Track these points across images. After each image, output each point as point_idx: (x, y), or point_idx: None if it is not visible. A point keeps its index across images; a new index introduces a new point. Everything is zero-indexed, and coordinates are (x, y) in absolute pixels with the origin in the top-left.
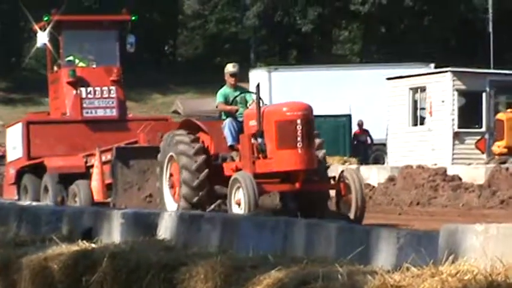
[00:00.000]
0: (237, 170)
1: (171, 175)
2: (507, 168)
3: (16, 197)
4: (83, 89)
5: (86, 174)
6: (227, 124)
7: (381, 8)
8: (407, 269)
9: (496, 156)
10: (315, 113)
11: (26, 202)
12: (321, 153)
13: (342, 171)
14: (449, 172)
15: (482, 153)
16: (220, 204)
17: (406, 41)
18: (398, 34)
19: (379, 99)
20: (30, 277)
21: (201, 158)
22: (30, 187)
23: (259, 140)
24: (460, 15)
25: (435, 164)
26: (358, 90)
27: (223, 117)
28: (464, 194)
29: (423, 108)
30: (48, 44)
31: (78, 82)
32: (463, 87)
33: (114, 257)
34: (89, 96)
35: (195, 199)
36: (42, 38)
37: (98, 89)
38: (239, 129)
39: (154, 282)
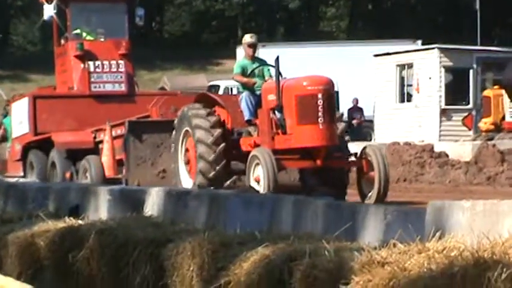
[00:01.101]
0: (255, 145)
1: (186, 150)
2: (494, 145)
3: (22, 174)
4: (90, 63)
5: (95, 150)
6: (244, 97)
7: None
8: (394, 245)
9: (483, 133)
10: None
11: (32, 178)
12: (340, 127)
13: (365, 148)
14: (436, 149)
15: (469, 129)
16: (236, 181)
17: (393, 18)
18: (385, 11)
19: (366, 76)
20: (17, 253)
21: (217, 131)
22: (36, 163)
23: (279, 114)
24: None
25: (422, 141)
26: (345, 67)
27: (240, 89)
28: (451, 170)
29: (410, 85)
30: (55, 17)
31: (85, 56)
32: (450, 64)
33: (101, 234)
34: (97, 70)
35: (212, 174)
36: (49, 10)
37: (106, 62)
38: (257, 103)
39: (141, 259)
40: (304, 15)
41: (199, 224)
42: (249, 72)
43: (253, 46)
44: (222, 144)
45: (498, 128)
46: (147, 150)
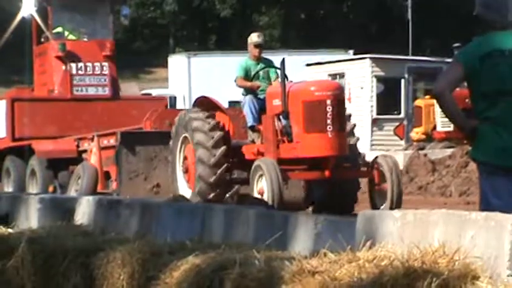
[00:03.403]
0: (259, 153)
1: (185, 158)
2: (425, 155)
3: None
4: (73, 65)
5: (78, 159)
6: (247, 102)
7: None
8: (325, 254)
9: (414, 143)
10: (234, 98)
11: (8, 186)
12: (353, 139)
13: (376, 157)
14: (368, 158)
15: (401, 139)
16: (238, 191)
17: (325, 27)
18: (318, 20)
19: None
20: None
21: (217, 133)
22: (13, 171)
23: (284, 121)
24: (379, 2)
25: None
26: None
27: (243, 93)
28: None
29: None
30: (35, 14)
31: (67, 57)
32: (381, 73)
33: (31, 242)
34: (80, 72)
35: (213, 178)
36: (28, 6)
37: (89, 64)
38: (261, 107)
39: (72, 268)
40: (236, 24)
41: (130, 233)
42: (253, 74)
43: (259, 46)
44: (223, 147)
45: (429, 137)
46: (140, 164)
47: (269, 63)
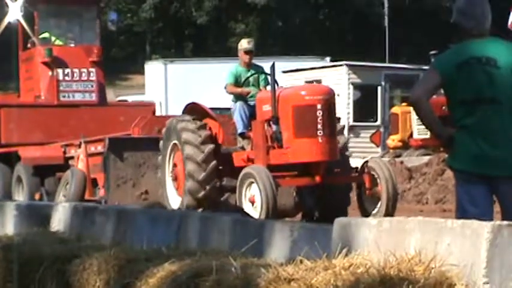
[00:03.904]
0: (249, 160)
1: (174, 165)
2: (401, 162)
3: None
4: (59, 70)
5: (65, 166)
6: (237, 108)
7: (277, 0)
8: (301, 261)
9: (391, 150)
10: (211, 105)
11: None
12: (341, 140)
13: (366, 161)
14: None
15: (377, 146)
16: (228, 198)
17: (302, 34)
18: (295, 27)
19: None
20: None
21: (208, 147)
22: None
23: (274, 127)
24: (356, 9)
25: None
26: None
27: (233, 99)
28: None
29: None
30: (21, 19)
31: (54, 62)
32: (358, 80)
33: (6, 249)
34: (66, 78)
35: (201, 194)
36: (14, 11)
37: (76, 70)
38: (251, 114)
39: (47, 275)
40: (212, 31)
41: (106, 240)
42: (243, 80)
43: (250, 53)
44: (213, 162)
45: (406, 145)
46: (128, 170)
47: (259, 70)
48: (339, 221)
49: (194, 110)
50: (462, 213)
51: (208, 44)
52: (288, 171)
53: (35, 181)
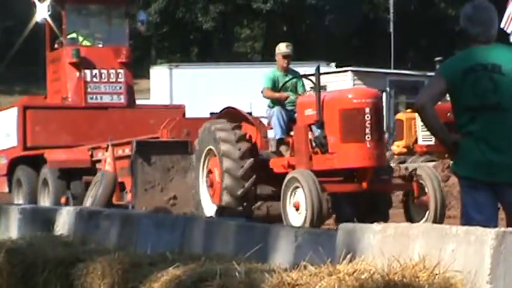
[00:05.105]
0: (289, 166)
1: (209, 172)
2: (406, 168)
3: (7, 190)
4: (87, 72)
5: (92, 170)
6: (275, 113)
7: (283, 6)
8: (305, 267)
9: (396, 156)
10: (215, 110)
11: (19, 196)
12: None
13: (415, 169)
14: None
15: None
16: (260, 207)
17: (307, 40)
18: (300, 32)
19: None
20: None
21: (244, 145)
22: (25, 181)
23: (318, 131)
24: (362, 15)
25: None
26: (260, 88)
27: (270, 105)
28: None
29: None
30: (49, 19)
31: (82, 63)
32: (363, 86)
33: (10, 253)
34: (94, 79)
35: (240, 191)
36: (42, 11)
37: (104, 71)
38: (289, 119)
39: (51, 278)
40: (218, 36)
41: (110, 244)
42: (280, 85)
43: (288, 57)
44: (251, 159)
45: (411, 151)
46: (156, 174)
47: (297, 75)
48: (343, 226)
49: (230, 115)
50: (467, 219)
51: (214, 48)
52: (332, 177)
53: (61, 184)
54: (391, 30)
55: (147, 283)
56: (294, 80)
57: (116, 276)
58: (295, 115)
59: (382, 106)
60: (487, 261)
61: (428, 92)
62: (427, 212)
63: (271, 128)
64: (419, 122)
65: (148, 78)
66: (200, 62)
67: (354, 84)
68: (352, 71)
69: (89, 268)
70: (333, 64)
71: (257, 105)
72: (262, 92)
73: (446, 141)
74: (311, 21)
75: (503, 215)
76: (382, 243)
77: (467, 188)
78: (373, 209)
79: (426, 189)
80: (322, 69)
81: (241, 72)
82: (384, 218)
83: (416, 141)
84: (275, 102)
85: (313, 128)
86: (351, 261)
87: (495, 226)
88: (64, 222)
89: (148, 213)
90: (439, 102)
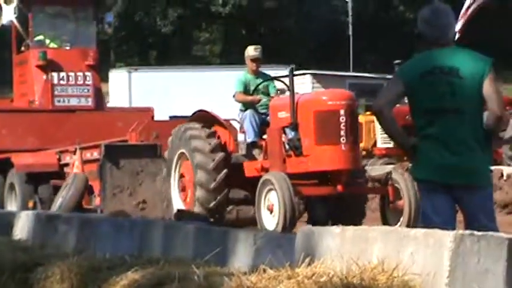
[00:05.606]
0: (263, 169)
1: (181, 176)
2: (365, 171)
3: None
4: (54, 74)
5: (60, 174)
6: (248, 117)
7: (241, 9)
8: (264, 270)
9: None
10: (175, 113)
11: None
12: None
13: (390, 173)
14: None
15: None
16: (231, 211)
17: (267, 43)
18: (260, 36)
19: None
20: None
21: (218, 155)
22: None
23: (291, 134)
24: (321, 18)
25: None
26: (219, 91)
27: (242, 108)
28: None
29: None
30: (15, 21)
31: (49, 66)
32: (322, 89)
33: None
34: (62, 82)
35: (212, 203)
36: (8, 13)
37: (71, 74)
38: (261, 122)
39: (10, 283)
40: (177, 40)
41: (68, 248)
42: (252, 88)
43: (257, 60)
44: (224, 171)
45: (370, 153)
46: (125, 178)
47: (268, 78)
48: (302, 229)
49: (202, 118)
50: (426, 222)
51: (173, 52)
52: (306, 180)
53: (29, 189)
54: (350, 33)
55: (105, 287)
56: (266, 82)
57: (75, 280)
58: (268, 118)
59: (357, 108)
60: (446, 263)
61: (386, 95)
62: (402, 217)
63: (244, 132)
64: (378, 125)
65: (107, 81)
66: (159, 66)
67: (313, 88)
68: (311, 74)
69: (48, 272)
70: (293, 67)
71: (217, 108)
72: (234, 96)
73: (404, 145)
74: (270, 25)
75: (461, 217)
76: (341, 246)
77: (425, 191)
78: (348, 212)
79: (401, 193)
80: (282, 73)
81: (200, 76)
82: (359, 221)
83: (375, 144)
84: (247, 105)
85: (287, 130)
86: (310, 264)
87: (453, 228)
88: (23, 226)
89: (107, 217)
90: (398, 105)
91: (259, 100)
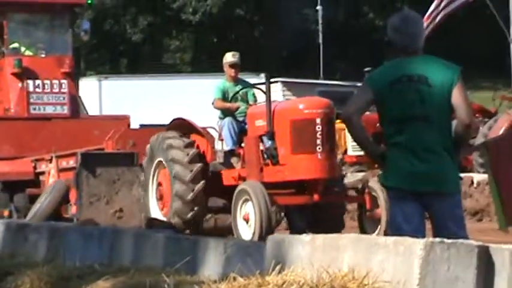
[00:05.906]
0: (240, 178)
1: (159, 184)
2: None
3: None
4: (30, 82)
5: (35, 182)
6: (226, 124)
7: (211, 17)
8: (234, 278)
9: None
10: (145, 121)
11: None
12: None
13: (367, 181)
14: None
15: None
16: (209, 220)
17: (237, 51)
18: (230, 44)
19: (210, 109)
20: None
21: (196, 166)
22: None
23: (269, 142)
24: (291, 26)
25: None
26: (189, 99)
27: (221, 116)
28: None
29: None
30: None
31: (24, 73)
32: (292, 97)
33: None
34: (37, 90)
35: (189, 215)
36: None
37: (47, 82)
38: (240, 130)
39: None
40: (147, 48)
41: (39, 257)
42: (231, 96)
43: (235, 66)
44: (202, 182)
45: (340, 161)
46: (101, 187)
47: (247, 85)
48: (272, 237)
49: (180, 126)
50: (395, 230)
51: (143, 60)
52: (283, 189)
53: (4, 197)
54: (320, 41)
55: None
56: (245, 90)
57: None
58: (247, 126)
59: (334, 116)
60: (416, 271)
61: (356, 102)
62: (379, 226)
63: (222, 140)
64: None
65: (78, 89)
66: (129, 74)
67: (283, 96)
68: (281, 82)
69: (18, 282)
70: (263, 75)
71: (189, 116)
72: (212, 104)
73: (373, 153)
74: (240, 33)
75: (430, 225)
76: (311, 254)
77: (395, 199)
78: (327, 221)
79: (379, 202)
80: (252, 81)
81: (170, 84)
82: (338, 229)
83: (346, 151)
84: (226, 113)
85: (264, 139)
86: (280, 272)
87: (423, 236)
88: None
89: (76, 225)
90: (368, 113)
91: (238, 107)
